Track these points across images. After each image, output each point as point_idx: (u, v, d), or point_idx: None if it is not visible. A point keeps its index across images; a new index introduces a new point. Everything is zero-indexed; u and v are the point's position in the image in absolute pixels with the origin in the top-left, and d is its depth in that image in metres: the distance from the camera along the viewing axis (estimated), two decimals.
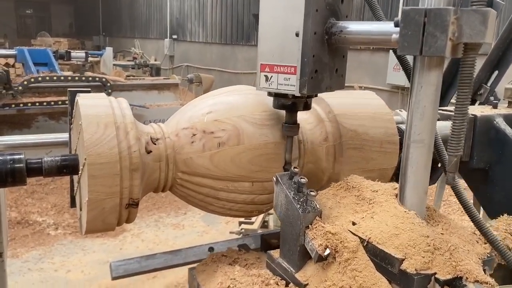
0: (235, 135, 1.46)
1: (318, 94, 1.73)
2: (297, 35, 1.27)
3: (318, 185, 1.59)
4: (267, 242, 1.55)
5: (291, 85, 1.32)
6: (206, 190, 1.49)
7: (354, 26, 1.29)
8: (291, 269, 1.22)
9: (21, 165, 1.35)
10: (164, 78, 9.73)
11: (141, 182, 1.36)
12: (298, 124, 1.46)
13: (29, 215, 5.57)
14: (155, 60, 15.01)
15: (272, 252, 1.32)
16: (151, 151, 1.42)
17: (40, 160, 1.38)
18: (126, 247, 4.88)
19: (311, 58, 1.29)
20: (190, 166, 1.46)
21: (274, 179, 1.29)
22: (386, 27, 1.19)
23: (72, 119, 1.55)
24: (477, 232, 1.26)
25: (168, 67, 16.69)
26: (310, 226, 1.17)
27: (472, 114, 1.89)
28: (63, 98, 6.93)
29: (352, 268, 1.10)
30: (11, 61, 8.74)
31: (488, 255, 1.19)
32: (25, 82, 6.76)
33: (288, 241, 1.24)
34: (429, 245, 1.09)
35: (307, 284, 1.17)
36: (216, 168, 1.45)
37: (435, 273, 1.06)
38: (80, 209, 1.48)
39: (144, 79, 9.20)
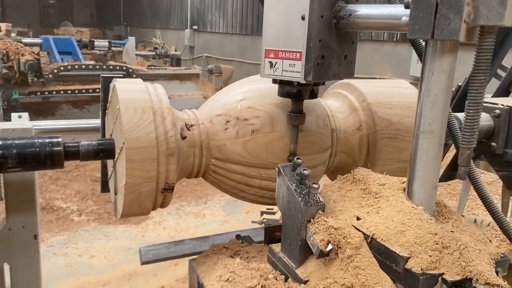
0: (269, 122, 1.45)
1: (350, 82, 1.71)
2: (303, 18, 1.21)
3: None
4: (271, 234, 1.52)
5: (296, 71, 1.26)
6: (238, 177, 1.49)
7: (364, 10, 1.22)
8: (292, 264, 1.19)
9: (59, 148, 1.37)
10: (185, 68, 9.76)
11: (176, 167, 1.37)
12: (304, 113, 1.42)
13: (53, 201, 5.68)
14: (176, 51, 15.06)
15: (273, 245, 1.30)
16: (186, 137, 1.43)
17: (77, 144, 1.41)
18: (149, 234, 4.94)
19: (317, 43, 1.23)
20: (223, 153, 1.46)
21: (277, 169, 1.26)
22: (397, 10, 1.12)
23: (108, 105, 1.57)
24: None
25: (188, 58, 16.72)
26: (312, 220, 1.13)
27: (508, 106, 1.85)
28: (87, 86, 7.08)
29: (355, 265, 1.06)
30: (35, 49, 8.86)
31: (502, 255, 1.12)
32: (55, 70, 6.98)
33: (289, 235, 1.20)
34: (437, 243, 1.03)
35: (307, 281, 1.13)
36: (249, 155, 1.45)
37: (442, 274, 1.01)
38: (115, 193, 1.50)
39: (165, 69, 9.27)
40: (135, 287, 3.98)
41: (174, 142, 1.35)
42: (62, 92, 7.01)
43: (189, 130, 1.45)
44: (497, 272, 1.07)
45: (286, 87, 1.36)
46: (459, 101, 2.14)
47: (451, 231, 1.11)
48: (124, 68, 7.58)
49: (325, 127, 1.54)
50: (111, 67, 7.60)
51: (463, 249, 1.04)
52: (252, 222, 4.40)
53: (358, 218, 1.17)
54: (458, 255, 1.03)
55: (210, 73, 9.93)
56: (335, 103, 1.69)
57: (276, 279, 1.22)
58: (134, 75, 7.30)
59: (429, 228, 1.05)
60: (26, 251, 1.75)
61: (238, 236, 1.86)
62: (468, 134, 1.03)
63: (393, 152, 1.60)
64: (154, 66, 10.22)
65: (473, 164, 1.30)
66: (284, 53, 1.28)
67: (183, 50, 16.57)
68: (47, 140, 1.37)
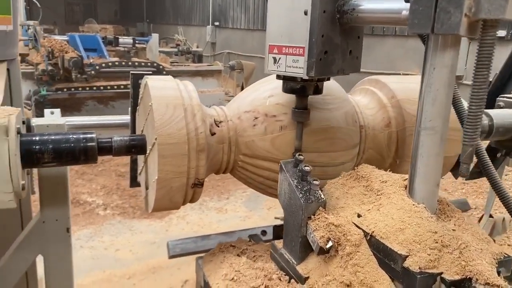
0: None
1: (379, 78, 1.70)
2: (305, 13, 1.21)
3: None
4: (279, 233, 1.52)
5: (299, 67, 1.26)
6: (266, 173, 1.51)
7: (368, 4, 1.20)
8: (293, 260, 1.19)
9: (93, 143, 1.41)
10: (207, 65, 9.83)
11: (206, 162, 1.40)
12: (309, 109, 1.41)
13: (79, 195, 5.80)
14: (197, 47, 15.15)
15: (276, 242, 1.30)
16: (215, 133, 1.45)
17: (110, 140, 1.44)
18: (172, 228, 5.01)
19: (319, 38, 1.22)
20: (251, 149, 1.48)
21: (279, 166, 1.26)
22: (400, 4, 1.11)
23: (139, 101, 1.60)
24: None
25: (210, 54, 16.79)
26: (312, 216, 1.13)
27: None
28: (112, 83, 7.23)
29: (354, 263, 1.06)
30: None
31: (506, 255, 1.10)
32: (97, 67, 7.28)
33: (290, 231, 1.20)
34: (437, 242, 1.01)
35: (307, 278, 1.13)
36: (278, 151, 1.46)
37: (441, 273, 0.99)
38: (147, 188, 1.53)
39: (188, 65, 9.36)
40: (160, 280, 4.04)
41: (204, 138, 1.37)
42: (87, 88, 7.18)
43: (218, 126, 1.47)
44: (499, 272, 1.05)
45: (290, 83, 1.36)
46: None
47: (453, 229, 1.09)
48: (156, 64, 8.06)
49: (354, 123, 1.54)
50: (148, 64, 8.10)
51: (464, 248, 1.03)
52: (275, 218, 4.41)
53: (359, 215, 1.17)
54: (458, 254, 1.02)
55: (232, 70, 9.95)
56: (364, 99, 1.68)
57: (280, 279, 1.23)
58: (164, 72, 7.50)
59: (429, 226, 1.04)
60: (59, 243, 1.80)
61: (263, 232, 1.87)
62: (470, 130, 1.01)
63: None
64: (177, 62, 10.32)
65: (488, 160, 1.28)
66: (287, 48, 1.28)
67: (205, 47, 16.65)
68: (81, 136, 1.41)
